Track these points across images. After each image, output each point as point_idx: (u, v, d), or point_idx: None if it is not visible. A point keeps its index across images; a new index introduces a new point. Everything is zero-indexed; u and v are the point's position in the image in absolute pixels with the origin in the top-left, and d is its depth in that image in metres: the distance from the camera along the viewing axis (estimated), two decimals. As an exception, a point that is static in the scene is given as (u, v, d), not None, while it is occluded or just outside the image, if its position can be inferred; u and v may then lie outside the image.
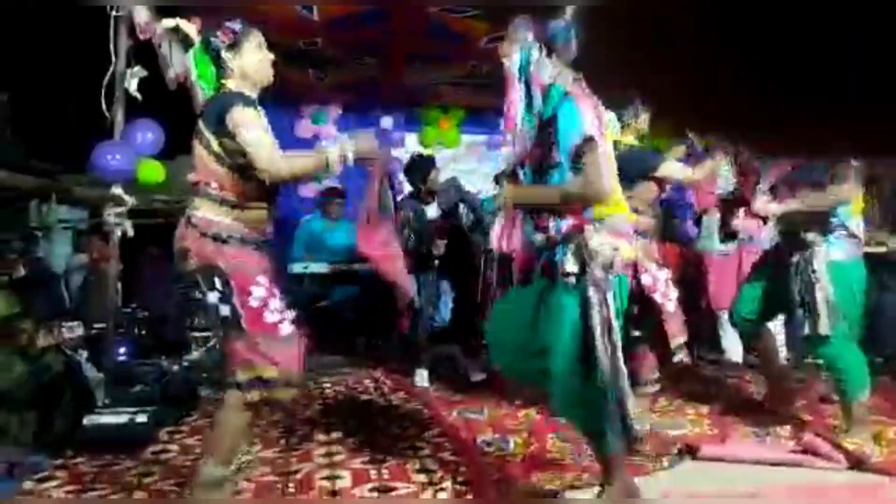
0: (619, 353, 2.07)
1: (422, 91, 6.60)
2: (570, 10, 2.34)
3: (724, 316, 4.69)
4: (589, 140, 2.07)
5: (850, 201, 2.99)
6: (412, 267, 4.36)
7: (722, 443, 2.88)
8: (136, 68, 3.91)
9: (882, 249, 5.47)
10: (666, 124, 3.49)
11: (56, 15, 4.75)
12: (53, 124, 5.97)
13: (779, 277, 3.10)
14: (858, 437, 2.87)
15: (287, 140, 6.68)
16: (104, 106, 3.82)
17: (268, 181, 2.15)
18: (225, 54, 2.26)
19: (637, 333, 2.77)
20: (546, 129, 2.17)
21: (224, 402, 2.20)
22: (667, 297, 2.81)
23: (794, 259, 3.00)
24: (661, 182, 2.97)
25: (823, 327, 2.87)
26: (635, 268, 2.73)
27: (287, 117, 6.74)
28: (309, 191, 6.68)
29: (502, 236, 2.35)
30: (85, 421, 3.10)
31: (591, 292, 2.07)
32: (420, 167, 4.67)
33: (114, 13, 3.90)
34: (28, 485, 2.63)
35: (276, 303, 2.17)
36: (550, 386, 2.14)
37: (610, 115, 2.94)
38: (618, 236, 2.23)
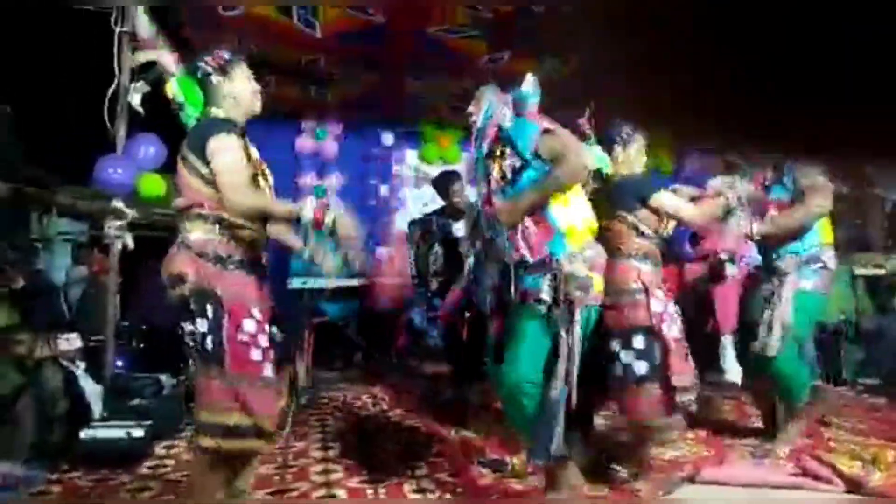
0: (573, 380, 2.26)
1: (421, 108, 6.64)
2: (531, 79, 2.52)
3: (726, 338, 4.69)
4: (546, 131, 2.32)
5: (819, 217, 3.07)
6: (440, 284, 4.34)
7: (719, 465, 2.86)
8: (140, 83, 3.94)
9: (880, 272, 5.49)
10: (667, 133, 3.46)
11: (61, 29, 4.78)
12: (56, 137, 5.99)
13: (748, 292, 3.28)
14: (794, 432, 3.13)
15: (287, 156, 6.77)
16: (107, 120, 3.84)
17: (227, 210, 2.07)
18: (215, 79, 2.21)
19: (643, 372, 2.55)
20: (505, 149, 2.40)
21: (195, 450, 2.06)
22: (671, 330, 2.60)
23: (766, 286, 3.14)
24: (658, 214, 2.78)
25: (772, 350, 2.99)
26: (647, 293, 2.61)
27: (288, 133, 6.77)
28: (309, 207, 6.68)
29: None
30: (81, 434, 3.09)
31: (559, 320, 2.25)
32: (442, 182, 4.57)
33: (118, 28, 3.93)
34: (23, 499, 2.60)
35: (264, 340, 2.07)
36: (501, 392, 2.37)
37: (599, 153, 2.94)
38: (592, 269, 2.35)
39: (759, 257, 3.37)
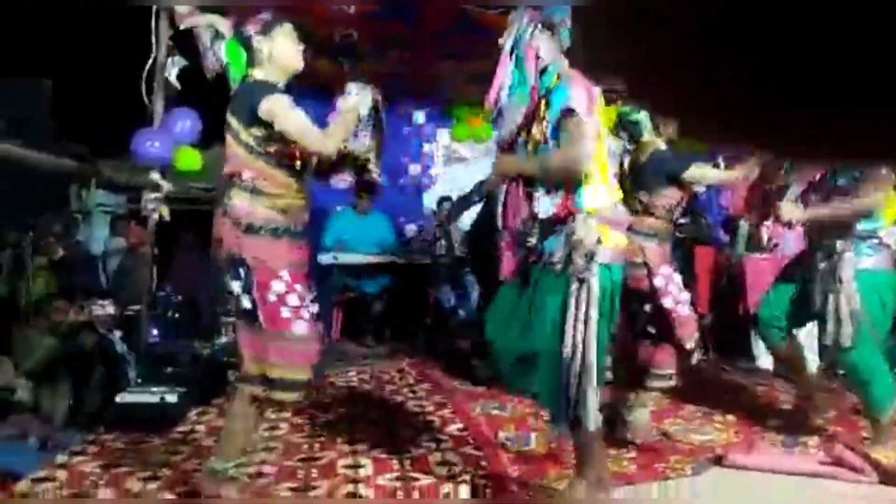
0: (592, 345, 2.13)
1: (453, 86, 6.60)
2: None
3: None
4: (569, 112, 2.13)
5: (874, 210, 2.86)
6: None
7: (748, 451, 2.82)
8: (177, 58, 3.99)
9: None
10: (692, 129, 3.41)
11: (100, 4, 4.86)
12: (94, 111, 6.11)
13: (807, 284, 2.99)
14: (884, 449, 2.77)
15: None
16: (144, 94, 3.90)
17: (323, 159, 2.24)
18: (256, 40, 2.25)
19: (652, 330, 2.83)
20: (541, 107, 2.24)
21: (237, 395, 2.24)
22: (678, 300, 2.84)
23: (821, 266, 2.90)
24: (684, 187, 2.94)
25: (846, 338, 2.76)
26: (648, 269, 2.82)
27: (321, 109, 6.80)
28: (342, 183, 6.73)
29: (508, 215, 2.33)
30: (117, 398, 3.19)
31: (571, 281, 2.14)
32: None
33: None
34: (60, 458, 2.70)
35: (294, 299, 2.16)
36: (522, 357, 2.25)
37: (642, 115, 2.96)
38: (612, 225, 2.23)
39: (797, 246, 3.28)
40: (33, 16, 5.64)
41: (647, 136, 3.00)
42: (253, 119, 2.13)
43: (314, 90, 6.49)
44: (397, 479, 2.50)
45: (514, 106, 2.28)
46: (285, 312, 2.14)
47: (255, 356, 2.16)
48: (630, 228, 2.66)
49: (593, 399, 2.13)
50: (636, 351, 2.92)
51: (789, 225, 3.05)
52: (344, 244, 5.64)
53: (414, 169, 7.22)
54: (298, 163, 2.22)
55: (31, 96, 6.10)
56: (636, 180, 2.94)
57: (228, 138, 2.21)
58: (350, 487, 2.42)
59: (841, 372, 3.92)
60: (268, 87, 2.18)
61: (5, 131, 5.67)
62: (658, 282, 2.85)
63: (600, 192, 2.25)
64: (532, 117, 2.26)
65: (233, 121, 2.18)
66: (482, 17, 4.81)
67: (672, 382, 2.98)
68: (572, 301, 2.14)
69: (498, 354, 2.34)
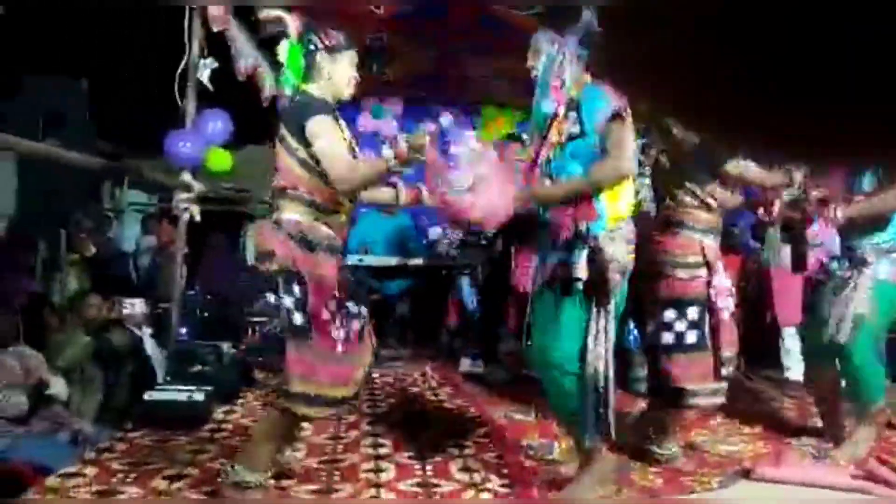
0: (609, 360, 2.22)
1: (482, 88, 6.59)
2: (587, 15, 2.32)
3: (786, 331, 4.52)
4: (617, 115, 2.19)
5: None
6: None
7: (777, 464, 2.77)
8: (209, 59, 4.05)
9: None
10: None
11: (134, 5, 4.95)
12: (128, 110, 6.23)
13: (819, 288, 3.01)
14: (862, 439, 2.86)
15: (348, 134, 6.85)
16: (177, 95, 3.96)
17: (339, 192, 2.17)
18: (321, 55, 2.27)
19: (693, 341, 2.64)
20: (570, 112, 2.29)
21: (270, 410, 2.31)
22: (726, 305, 2.69)
23: (841, 274, 2.89)
24: (728, 182, 2.81)
25: (843, 336, 2.76)
26: (708, 268, 2.66)
27: (350, 111, 6.84)
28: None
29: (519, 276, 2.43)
30: (145, 396, 3.23)
31: (591, 300, 2.19)
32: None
33: (190, 5, 4.04)
34: (90, 454, 2.75)
35: (342, 319, 2.19)
36: (539, 373, 2.34)
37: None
38: (627, 243, 2.29)
39: (829, 249, 3.21)
40: (70, 15, 5.77)
41: (678, 130, 2.89)
42: (303, 136, 2.15)
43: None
44: (419, 484, 2.49)
45: (535, 132, 2.40)
46: (335, 332, 2.15)
47: (302, 374, 2.12)
48: (686, 224, 2.72)
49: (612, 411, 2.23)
50: (666, 367, 2.68)
51: (833, 222, 2.93)
52: (368, 246, 5.67)
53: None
54: None
55: (68, 95, 6.23)
56: (683, 175, 2.80)
57: (281, 150, 2.21)
58: (372, 492, 2.42)
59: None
60: (318, 106, 2.19)
61: (42, 128, 5.81)
62: (716, 281, 2.66)
63: (623, 202, 2.28)
64: (554, 120, 2.33)
65: (286, 134, 2.19)
66: (508, 16, 4.79)
67: (721, 399, 2.74)
68: (595, 318, 2.18)
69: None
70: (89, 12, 5.69)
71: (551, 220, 2.34)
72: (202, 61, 4.05)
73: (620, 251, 2.20)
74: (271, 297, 2.26)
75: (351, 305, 2.24)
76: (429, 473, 2.60)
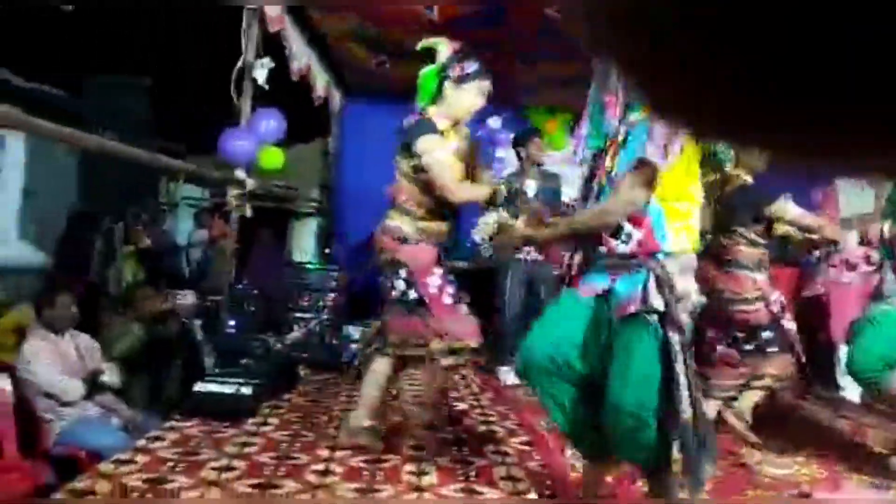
0: (700, 396, 1.93)
1: (532, 92, 6.55)
2: None
3: (843, 350, 4.36)
4: (642, 163, 1.93)
5: None
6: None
7: (835, 489, 2.66)
8: (265, 59, 4.12)
9: None
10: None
11: (194, 6, 5.08)
12: (186, 109, 6.40)
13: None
14: None
15: (395, 136, 6.90)
16: (233, 94, 4.05)
17: (448, 200, 2.58)
18: (448, 83, 2.59)
19: (774, 348, 3.12)
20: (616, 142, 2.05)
21: (374, 364, 2.78)
22: (788, 322, 3.15)
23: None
24: (772, 225, 3.07)
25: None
26: (765, 301, 3.04)
27: (398, 112, 6.89)
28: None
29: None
30: (195, 387, 3.30)
31: (673, 334, 1.88)
32: (520, 138, 4.84)
33: (247, 6, 4.13)
34: (140, 443, 2.82)
35: (450, 289, 2.68)
36: (608, 420, 1.97)
37: (724, 148, 2.91)
38: (688, 274, 2.04)
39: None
40: (133, 15, 5.95)
41: (730, 167, 2.99)
42: (409, 152, 2.56)
43: (392, 96, 6.63)
44: (462, 490, 2.48)
45: (587, 153, 2.15)
46: (447, 299, 2.66)
47: (435, 335, 2.62)
48: (736, 263, 3.00)
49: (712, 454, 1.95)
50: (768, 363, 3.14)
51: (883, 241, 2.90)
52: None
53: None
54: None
55: (130, 92, 6.44)
56: (731, 214, 3.01)
57: (398, 164, 2.67)
58: (414, 495, 2.43)
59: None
60: (429, 127, 2.57)
61: (103, 124, 6.01)
62: (775, 307, 3.06)
63: (684, 235, 2.02)
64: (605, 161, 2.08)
65: (400, 150, 2.64)
66: (566, 24, 4.75)
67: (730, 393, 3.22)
68: (679, 360, 1.88)
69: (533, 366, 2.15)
70: (151, 12, 5.86)
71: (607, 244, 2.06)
72: (258, 61, 4.13)
73: (690, 287, 2.00)
74: (388, 282, 2.70)
75: (452, 283, 2.74)
76: (471, 479, 2.58)
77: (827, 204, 5.02)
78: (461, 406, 3.81)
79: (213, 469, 2.54)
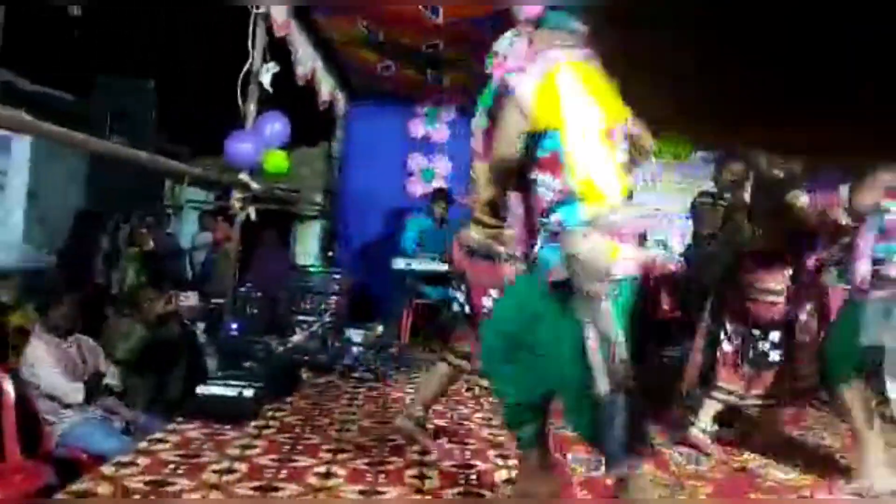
0: (624, 362, 1.79)
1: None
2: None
3: None
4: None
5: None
6: None
7: (829, 493, 2.64)
8: (271, 63, 4.14)
9: None
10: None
11: (200, 9, 5.11)
12: (193, 111, 6.42)
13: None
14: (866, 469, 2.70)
15: (399, 139, 6.92)
16: (239, 97, 4.06)
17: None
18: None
19: (776, 359, 3.04)
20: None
21: (444, 363, 2.94)
22: (803, 328, 3.12)
23: (879, 295, 2.64)
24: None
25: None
26: (786, 295, 3.03)
27: (402, 116, 6.91)
28: (418, 189, 6.83)
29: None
30: (197, 390, 3.30)
31: (582, 305, 1.78)
32: None
33: (254, 10, 4.15)
34: (142, 445, 2.82)
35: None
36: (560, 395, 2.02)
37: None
38: (614, 236, 1.81)
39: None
40: (140, 17, 5.98)
41: (764, 164, 2.99)
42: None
43: (396, 100, 6.66)
44: (462, 493, 2.48)
45: None
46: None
47: (460, 342, 2.83)
48: (767, 251, 3.02)
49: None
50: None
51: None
52: (417, 251, 5.70)
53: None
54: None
55: (136, 95, 6.47)
56: (765, 199, 3.07)
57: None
58: (417, 497, 2.42)
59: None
60: None
61: (109, 126, 6.04)
62: (794, 304, 3.05)
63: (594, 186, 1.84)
64: None
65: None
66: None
67: (741, 401, 3.13)
68: (590, 330, 1.79)
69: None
70: (157, 14, 5.90)
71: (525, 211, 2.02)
72: (264, 65, 4.15)
73: (599, 252, 1.77)
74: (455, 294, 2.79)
75: None
76: (472, 481, 2.58)
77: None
78: (463, 409, 3.80)
79: (215, 472, 2.53)
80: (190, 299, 4.48)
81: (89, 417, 3.19)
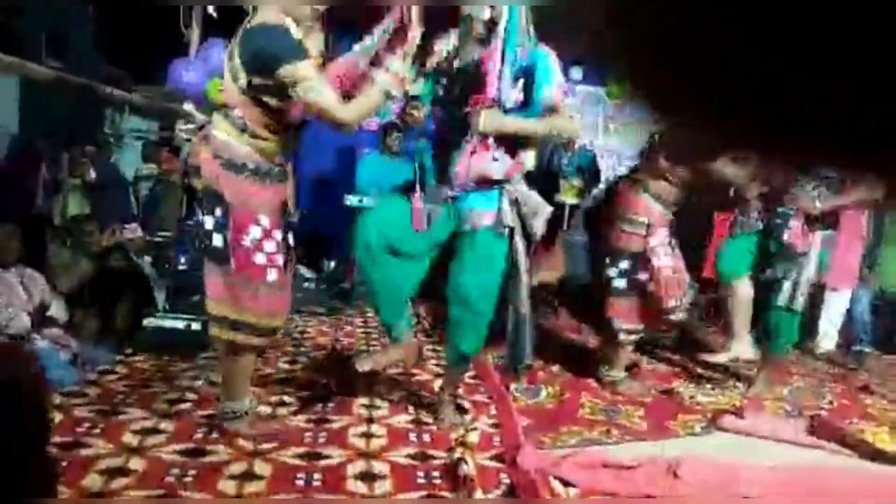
0: (524, 297, 2.42)
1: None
2: None
3: (836, 295, 4.52)
4: (560, 89, 2.32)
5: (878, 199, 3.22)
6: None
7: (741, 416, 2.87)
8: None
9: None
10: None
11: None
12: (133, 37, 6.12)
13: (772, 249, 3.26)
14: (760, 384, 3.30)
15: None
16: (182, 24, 3.90)
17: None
18: None
19: (621, 285, 3.09)
20: (518, 79, 2.35)
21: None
22: (666, 263, 3.04)
23: (786, 240, 3.20)
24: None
25: (798, 304, 3.17)
26: (648, 227, 3.04)
27: (351, 36, 6.71)
28: (373, 125, 6.72)
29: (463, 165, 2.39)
30: (145, 322, 3.31)
31: (519, 244, 2.40)
32: None
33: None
34: (91, 376, 2.84)
35: (271, 246, 2.14)
36: (451, 307, 2.48)
37: None
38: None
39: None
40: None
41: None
42: (262, 69, 2.01)
43: (351, 26, 6.44)
44: (411, 422, 2.59)
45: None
46: (260, 258, 2.12)
47: (221, 298, 2.14)
48: (643, 187, 3.11)
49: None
50: (612, 305, 3.13)
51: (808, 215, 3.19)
52: (370, 188, 5.67)
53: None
54: (295, 117, 2.17)
55: (73, 18, 6.11)
56: (666, 148, 3.11)
57: (227, 71, 2.10)
58: (364, 427, 2.52)
59: (857, 349, 3.99)
60: (292, 46, 2.01)
61: (45, 50, 5.71)
62: (653, 241, 3.04)
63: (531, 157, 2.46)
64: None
65: (237, 59, 2.05)
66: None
67: (634, 337, 3.20)
68: (512, 258, 2.40)
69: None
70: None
71: (472, 167, 2.37)
72: (208, -11, 3.98)
73: (535, 198, 2.44)
74: (202, 219, 2.13)
75: (279, 235, 2.18)
76: (421, 415, 2.67)
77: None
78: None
79: (165, 401, 2.58)
80: (136, 232, 4.39)
81: (36, 348, 3.16)
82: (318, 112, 2.07)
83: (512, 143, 2.37)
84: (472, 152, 2.34)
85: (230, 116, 2.10)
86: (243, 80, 2.04)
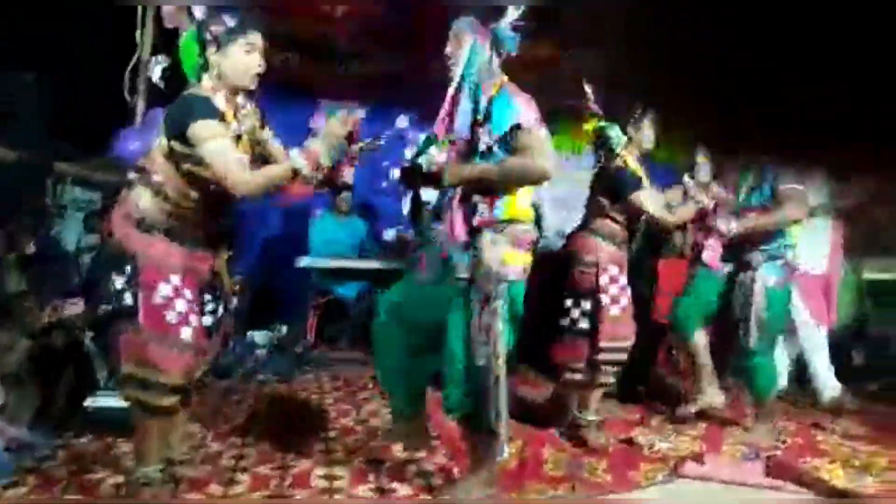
0: (500, 357, 2.24)
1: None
2: (513, 11, 2.35)
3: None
4: (519, 127, 2.20)
5: (796, 222, 3.27)
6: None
7: (702, 462, 2.87)
8: (161, 57, 3.96)
9: (891, 276, 5.34)
10: (676, 138, 3.65)
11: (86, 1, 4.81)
12: (76, 107, 6.04)
13: (727, 293, 3.39)
14: (760, 433, 3.31)
15: (303, 132, 6.78)
16: (127, 93, 3.88)
17: (240, 197, 2.12)
18: (210, 49, 2.15)
19: (584, 326, 3.06)
20: (480, 122, 2.30)
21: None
22: (616, 300, 3.07)
23: (739, 278, 3.32)
24: (633, 209, 3.13)
25: (752, 342, 3.22)
26: (597, 267, 3.05)
27: (307, 109, 6.76)
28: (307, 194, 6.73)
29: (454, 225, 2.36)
30: (86, 402, 3.15)
31: (474, 298, 2.24)
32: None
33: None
34: (28, 463, 2.66)
35: (182, 305, 2.13)
36: (446, 381, 2.37)
37: (615, 130, 3.19)
38: (515, 246, 2.31)
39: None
40: (19, 9, 5.56)
41: (620, 150, 3.18)
42: (177, 133, 2.07)
43: (295, 91, 6.51)
44: (376, 489, 2.50)
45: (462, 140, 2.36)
46: (171, 317, 2.11)
47: (130, 356, 2.12)
48: (590, 229, 3.15)
49: (505, 406, 2.29)
50: (559, 346, 3.12)
51: (721, 236, 3.32)
52: (327, 249, 5.64)
53: (394, 173, 7.22)
54: (212, 186, 2.13)
55: (15, 90, 6.00)
56: (602, 186, 3.21)
57: (158, 135, 2.19)
58: (325, 497, 2.43)
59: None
60: (204, 107, 2.06)
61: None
62: (602, 280, 3.06)
63: (515, 206, 2.33)
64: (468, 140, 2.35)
65: (163, 125, 2.15)
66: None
67: (580, 377, 3.13)
68: (477, 317, 2.23)
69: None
70: (39, 4, 5.49)
71: (452, 217, 2.34)
72: (154, 58, 3.96)
73: (496, 257, 2.25)
74: (114, 279, 2.14)
75: (207, 298, 2.27)
76: (383, 480, 2.60)
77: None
78: (371, 406, 3.81)
79: (112, 486, 2.44)
80: (77, 305, 4.22)
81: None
82: (217, 175, 2.04)
83: (489, 190, 2.30)
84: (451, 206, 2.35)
85: (149, 181, 2.15)
86: (164, 144, 2.13)
